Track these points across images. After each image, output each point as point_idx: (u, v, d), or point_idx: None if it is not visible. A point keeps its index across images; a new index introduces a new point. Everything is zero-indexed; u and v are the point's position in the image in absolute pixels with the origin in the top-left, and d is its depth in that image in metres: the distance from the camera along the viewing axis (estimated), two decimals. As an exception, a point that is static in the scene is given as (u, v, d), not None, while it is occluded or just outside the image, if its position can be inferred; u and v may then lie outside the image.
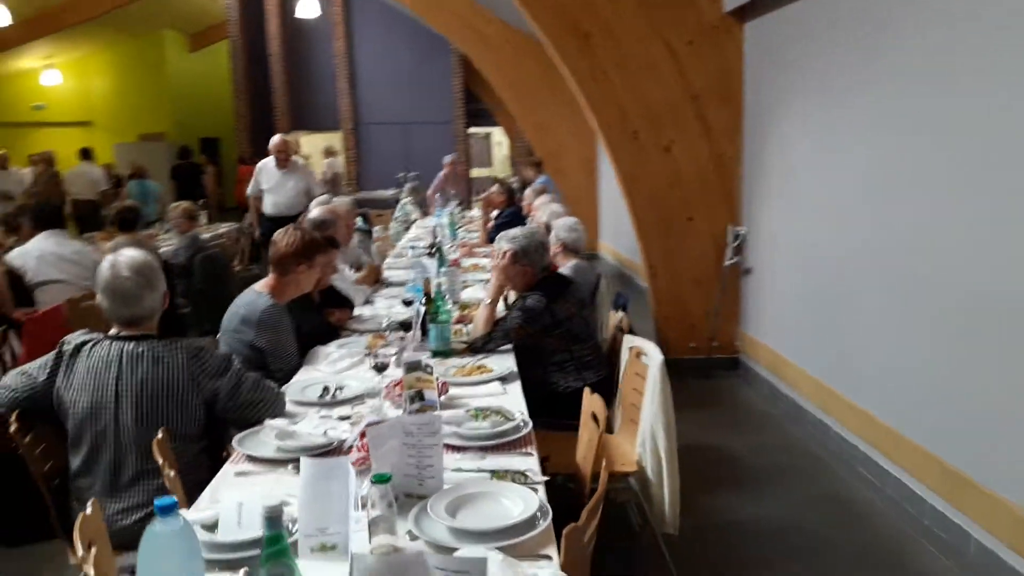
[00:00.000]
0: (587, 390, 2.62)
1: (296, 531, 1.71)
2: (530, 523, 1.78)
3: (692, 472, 4.11)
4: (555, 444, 2.84)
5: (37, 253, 4.54)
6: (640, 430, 3.02)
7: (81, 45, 15.99)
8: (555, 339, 3.40)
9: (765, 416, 4.91)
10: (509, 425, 2.36)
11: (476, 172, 17.08)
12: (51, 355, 2.43)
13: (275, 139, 7.07)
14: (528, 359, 3.43)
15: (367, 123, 15.41)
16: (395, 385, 2.57)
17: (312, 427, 2.36)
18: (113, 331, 2.45)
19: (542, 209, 5.37)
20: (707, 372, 5.69)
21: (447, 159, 10.65)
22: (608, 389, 3.46)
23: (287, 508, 1.79)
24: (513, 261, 3.47)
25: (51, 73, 16.25)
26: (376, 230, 7.18)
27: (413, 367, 2.50)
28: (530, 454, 2.25)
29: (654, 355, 2.98)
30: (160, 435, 2.25)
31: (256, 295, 3.21)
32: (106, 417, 2.35)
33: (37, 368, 2.42)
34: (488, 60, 10.49)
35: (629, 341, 3.25)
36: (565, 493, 2.56)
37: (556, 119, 9.95)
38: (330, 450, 2.25)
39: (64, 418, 2.39)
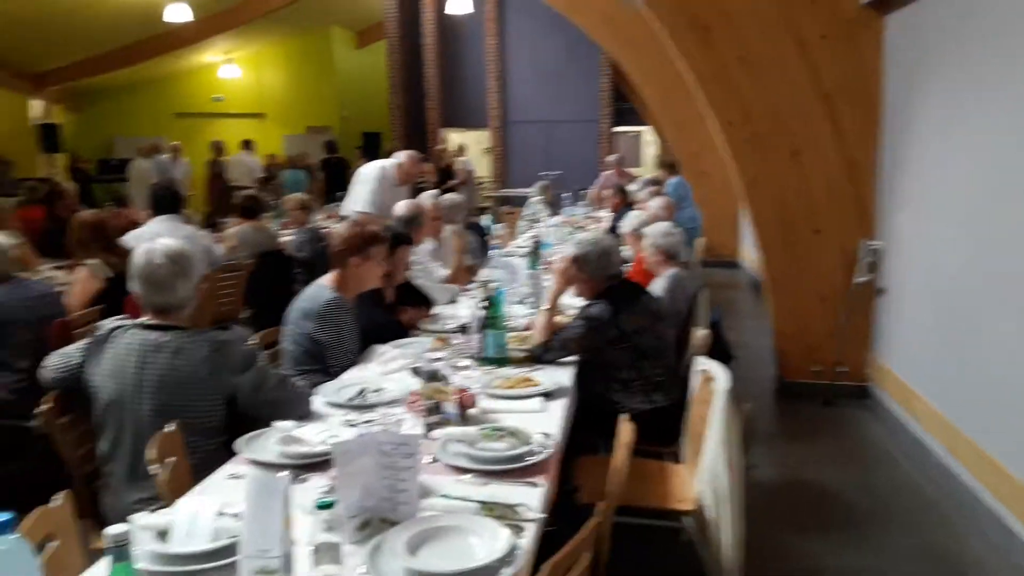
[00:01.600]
0: (625, 416, 2.36)
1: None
2: (488, 571, 1.57)
3: (784, 509, 3.72)
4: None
5: (151, 235, 4.77)
6: (701, 464, 2.70)
7: (256, 40, 17.01)
8: (620, 353, 3.13)
9: (885, 453, 4.36)
10: (522, 449, 2.15)
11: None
12: (88, 338, 2.47)
13: (414, 161, 6.16)
14: (591, 374, 3.19)
15: (513, 121, 15.40)
16: (415, 395, 2.42)
17: (317, 433, 2.25)
18: (143, 319, 2.45)
19: (638, 213, 5.04)
20: (830, 399, 5.15)
21: (611, 159, 10.42)
22: (680, 414, 3.15)
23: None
24: (574, 267, 3.26)
25: (229, 67, 17.42)
26: (497, 227, 7.07)
27: (431, 376, 2.34)
28: (536, 484, 2.02)
29: (721, 381, 2.66)
30: (169, 427, 2.21)
31: (320, 288, 3.19)
32: (127, 406, 2.35)
33: (75, 349, 2.47)
34: (629, 55, 10.15)
35: (700, 364, 2.93)
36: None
37: (698, 119, 9.44)
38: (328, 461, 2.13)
39: (93, 402, 2.42)
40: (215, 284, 5.26)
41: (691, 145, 10.10)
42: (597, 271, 3.22)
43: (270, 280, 5.93)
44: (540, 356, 3.12)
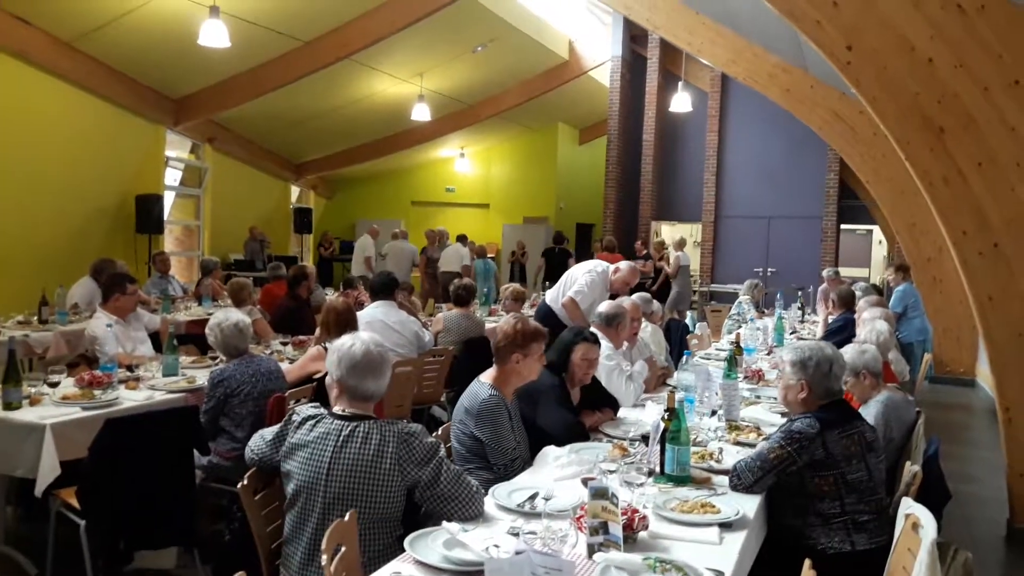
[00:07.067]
0: (807, 563, 2.14)
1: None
2: None
3: None
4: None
5: (368, 319, 5.17)
6: (900, 624, 2.38)
7: (488, 137, 18.25)
8: (823, 483, 2.85)
9: None
10: (687, 587, 2.01)
11: (850, 272, 15.70)
12: (283, 423, 2.66)
13: (633, 272, 6.27)
14: (786, 504, 2.94)
15: (728, 216, 15.14)
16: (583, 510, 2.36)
17: (483, 539, 2.25)
18: (337, 409, 2.61)
19: (865, 325, 4.65)
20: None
21: (827, 273, 9.80)
22: (884, 561, 2.81)
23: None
24: (790, 370, 3.03)
25: (462, 161, 18.79)
26: (699, 327, 6.89)
27: (599, 494, 2.28)
28: (698, 629, 1.88)
29: (928, 529, 2.35)
30: (347, 517, 2.31)
31: (479, 385, 3.23)
32: (315, 491, 2.48)
33: (270, 433, 2.66)
34: (857, 152, 9.64)
35: (906, 506, 2.61)
36: None
37: (933, 222, 8.71)
38: (487, 569, 2.12)
39: (285, 485, 2.59)
40: (420, 367, 5.54)
41: (925, 249, 9.31)
42: (819, 381, 2.96)
43: (472, 365, 6.14)
44: (737, 483, 2.88)
